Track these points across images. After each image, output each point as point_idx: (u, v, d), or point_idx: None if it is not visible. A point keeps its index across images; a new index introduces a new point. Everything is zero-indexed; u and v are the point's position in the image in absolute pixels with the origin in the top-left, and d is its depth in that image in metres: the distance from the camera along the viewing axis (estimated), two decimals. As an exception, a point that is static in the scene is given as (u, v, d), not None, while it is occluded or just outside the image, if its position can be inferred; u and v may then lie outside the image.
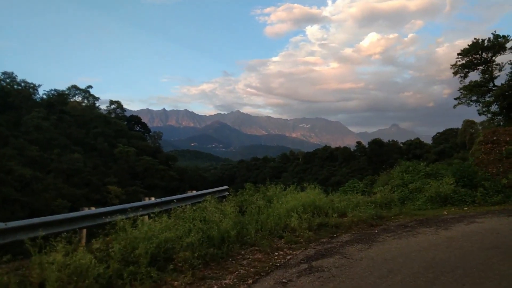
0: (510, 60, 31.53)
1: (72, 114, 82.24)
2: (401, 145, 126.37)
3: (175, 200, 9.29)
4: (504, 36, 30.96)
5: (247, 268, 6.12)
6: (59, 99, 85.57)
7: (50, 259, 4.90)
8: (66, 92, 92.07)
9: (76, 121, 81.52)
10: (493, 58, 31.86)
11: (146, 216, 7.96)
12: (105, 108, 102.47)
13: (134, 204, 7.96)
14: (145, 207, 8.16)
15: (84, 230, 7.22)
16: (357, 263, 6.24)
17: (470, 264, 5.86)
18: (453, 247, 6.95)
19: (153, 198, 9.39)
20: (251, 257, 6.71)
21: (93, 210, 7.32)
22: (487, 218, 9.76)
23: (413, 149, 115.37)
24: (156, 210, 7.39)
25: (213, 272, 5.88)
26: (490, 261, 5.94)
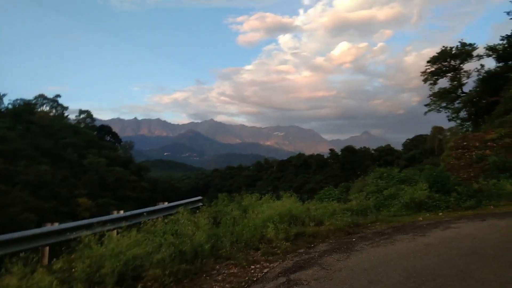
0: (476, 68, 32.62)
1: (39, 124, 79.49)
2: (373, 151, 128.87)
3: (145, 213, 8.85)
4: (470, 44, 32.03)
5: (222, 284, 5.80)
6: (25, 108, 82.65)
7: (3, 284, 4.45)
8: (33, 101, 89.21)
9: (44, 131, 78.80)
10: (461, 65, 32.90)
11: (115, 231, 7.52)
12: (74, 118, 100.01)
13: (101, 219, 7.48)
14: (113, 221, 7.69)
15: (47, 248, 6.70)
16: (336, 275, 6.02)
17: (450, 271, 5.73)
18: (432, 254, 6.84)
19: (122, 211, 8.92)
20: (226, 271, 6.38)
21: (55, 226, 6.81)
22: (462, 223, 9.77)
23: (384, 156, 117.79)
24: (124, 224, 6.96)
25: (186, 289, 5.53)
26: (469, 268, 5.83)
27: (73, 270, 5.14)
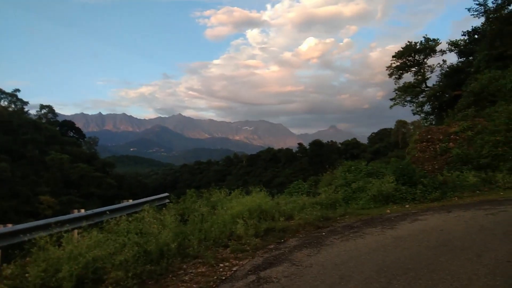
0: (439, 63, 33.56)
1: (-3, 120, 75.77)
2: (340, 145, 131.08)
3: (108, 212, 8.42)
4: (434, 40, 32.88)
5: (189, 284, 5.54)
6: (-19, 104, 78.61)
7: None
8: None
9: (2, 127, 75.14)
10: (425, 60, 33.78)
11: (75, 232, 7.10)
12: (35, 113, 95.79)
13: (59, 218, 7.03)
14: (73, 221, 7.26)
15: (-1, 252, 6.22)
16: (307, 271, 5.89)
17: (421, 264, 5.71)
18: (401, 247, 6.84)
19: (82, 210, 8.47)
20: (194, 271, 6.12)
21: (8, 227, 6.34)
22: (428, 215, 9.90)
23: (351, 149, 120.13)
24: (84, 224, 6.56)
25: (150, 292, 5.25)
26: (439, 260, 5.84)
27: (26, 275, 4.75)
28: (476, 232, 7.57)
